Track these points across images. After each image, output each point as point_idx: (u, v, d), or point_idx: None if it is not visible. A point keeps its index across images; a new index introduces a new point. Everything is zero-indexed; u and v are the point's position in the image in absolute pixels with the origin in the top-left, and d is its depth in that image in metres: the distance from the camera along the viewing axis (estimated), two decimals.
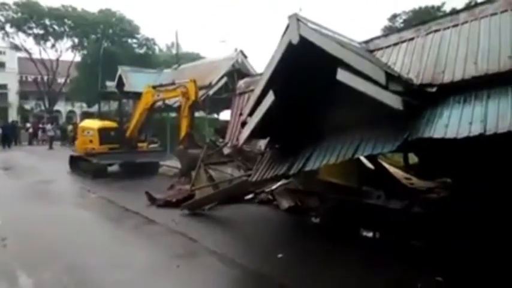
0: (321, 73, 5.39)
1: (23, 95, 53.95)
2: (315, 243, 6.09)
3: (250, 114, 6.70)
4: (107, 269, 5.14)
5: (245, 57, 14.60)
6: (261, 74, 6.87)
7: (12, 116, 47.64)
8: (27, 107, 51.83)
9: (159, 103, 16.97)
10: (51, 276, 4.87)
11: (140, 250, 5.98)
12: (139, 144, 13.65)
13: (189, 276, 4.97)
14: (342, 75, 5.04)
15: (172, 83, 12.65)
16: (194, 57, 36.72)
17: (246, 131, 6.88)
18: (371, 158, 7.85)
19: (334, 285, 4.61)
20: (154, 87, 12.99)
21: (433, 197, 7.41)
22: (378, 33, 8.49)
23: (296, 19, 5.35)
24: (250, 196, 9.15)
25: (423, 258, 5.21)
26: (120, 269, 5.14)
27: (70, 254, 5.68)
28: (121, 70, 20.95)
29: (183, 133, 11.48)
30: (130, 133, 13.38)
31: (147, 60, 37.31)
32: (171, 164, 14.40)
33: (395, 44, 5.99)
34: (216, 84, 14.25)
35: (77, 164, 14.06)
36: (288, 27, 5.53)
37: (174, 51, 42.58)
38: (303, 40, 5.36)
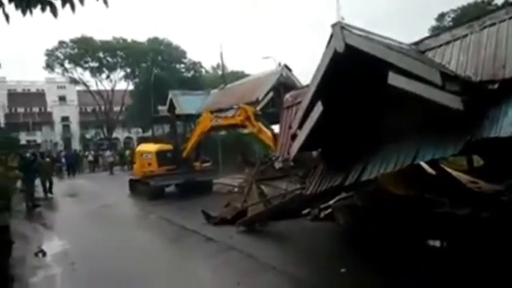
0: (370, 79, 5.25)
1: (84, 125, 57.78)
2: (379, 257, 5.82)
3: (300, 126, 6.64)
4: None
5: (289, 70, 14.63)
6: (307, 86, 6.82)
7: (75, 145, 50.93)
8: (88, 136, 55.23)
9: None
10: None
11: (201, 268, 6.07)
12: (198, 164, 13.95)
13: None
14: (394, 79, 4.86)
15: (231, 108, 12.93)
16: (239, 75, 37.38)
17: (297, 144, 6.83)
18: (432, 163, 7.46)
19: None
20: (211, 112, 13.25)
21: (503, 200, 6.87)
22: (426, 34, 8.13)
23: (340, 27, 5.27)
24: (306, 211, 9.00)
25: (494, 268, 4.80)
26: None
27: (134, 276, 5.87)
28: (171, 94, 21.79)
29: (268, 141, 10.94)
30: (187, 154, 13.77)
31: (195, 82, 38.53)
32: (225, 181, 14.62)
33: (448, 43, 5.70)
34: (263, 99, 14.38)
35: (135, 187, 14.66)
36: (332, 36, 5.45)
37: (219, 72, 43.78)
38: (348, 47, 5.25)
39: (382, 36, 5.78)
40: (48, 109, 59.11)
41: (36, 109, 57.67)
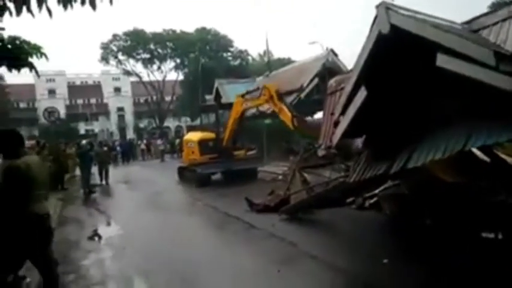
0: (417, 62, 4.96)
1: (137, 115, 60.26)
2: (426, 248, 5.55)
3: (343, 112, 6.45)
4: (210, 273, 5.35)
5: (335, 55, 14.20)
6: (351, 71, 6.58)
7: (129, 134, 53.27)
8: (141, 125, 57.55)
9: (253, 110, 17.47)
10: (163, 282, 5.22)
11: (242, 254, 6.12)
12: (237, 152, 14.07)
13: (290, 281, 4.92)
14: (442, 61, 4.54)
15: (257, 88, 12.90)
16: (285, 62, 37.03)
17: (339, 131, 6.65)
18: (485, 149, 6.97)
19: None
20: (242, 95, 13.34)
21: None
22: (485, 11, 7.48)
23: (385, 7, 4.99)
24: (351, 200, 8.80)
25: None
26: (224, 273, 5.30)
27: (180, 260, 6.05)
28: (217, 83, 22.05)
29: (288, 122, 11.38)
30: (226, 142, 13.94)
31: (242, 70, 38.67)
32: (269, 169, 14.65)
33: (504, 20, 5.23)
34: (308, 86, 14.12)
35: (184, 174, 15.11)
36: (376, 17, 5.19)
37: (266, 59, 43.61)
38: (394, 29, 4.97)
39: (431, 16, 5.43)
40: (105, 100, 62.18)
41: (93, 100, 60.91)
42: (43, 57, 4.20)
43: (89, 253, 6.83)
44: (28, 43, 3.94)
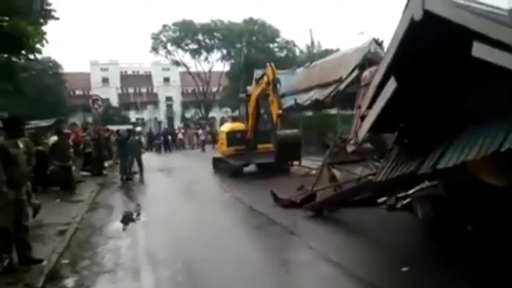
0: (453, 51, 4.43)
1: (185, 105, 61.61)
2: (460, 256, 5.00)
3: (370, 106, 6.00)
4: (219, 266, 5.19)
5: (379, 45, 13.40)
6: None
7: (176, 123, 54.53)
8: (188, 115, 58.77)
9: (291, 102, 17.09)
10: (170, 273, 5.11)
11: (255, 251, 5.91)
12: (261, 145, 13.62)
13: (294, 283, 4.63)
14: (479, 50, 3.99)
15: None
16: (333, 53, 35.99)
17: (366, 126, 6.19)
18: None
19: None
20: (256, 81, 13.02)
21: None
22: None
23: None
24: (382, 199, 8.27)
25: None
26: (232, 268, 5.11)
27: (193, 249, 6.02)
28: (256, 74, 21.75)
29: (274, 117, 11.17)
30: (249, 134, 13.69)
31: (288, 62, 38.13)
32: (304, 163, 14.24)
33: None
34: (347, 77, 13.49)
35: (218, 165, 15.10)
36: (408, 2, 4.71)
37: (314, 51, 42.75)
38: (427, 14, 4.47)
39: (472, 0, 4.85)
40: (154, 90, 64.07)
41: (144, 90, 62.90)
42: (44, 41, 4.17)
43: (109, 239, 6.91)
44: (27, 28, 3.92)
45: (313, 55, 29.91)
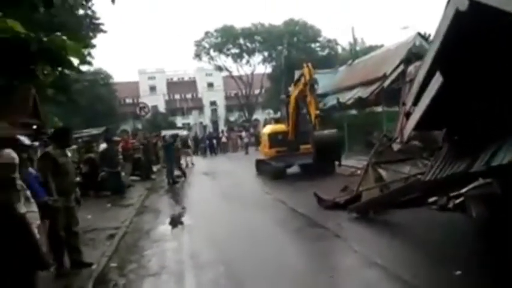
0: (502, 43, 4.12)
1: (228, 109, 62.50)
2: None
3: (415, 102, 5.73)
4: (260, 270, 5.15)
5: (425, 39, 12.76)
6: None
7: (221, 127, 55.37)
8: (232, 118, 59.52)
9: (333, 101, 16.76)
10: (212, 277, 5.15)
11: (297, 254, 5.80)
12: (304, 146, 13.35)
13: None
14: None
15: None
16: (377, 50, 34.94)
17: (411, 123, 5.93)
18: None
19: None
20: (295, 83, 12.97)
21: None
22: None
23: None
24: (433, 199, 7.86)
25: None
26: (274, 272, 5.04)
27: (236, 252, 6.02)
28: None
29: (312, 117, 11.10)
30: (290, 135, 13.57)
31: (330, 61, 37.54)
32: (349, 163, 13.91)
33: None
34: (391, 74, 12.97)
35: (260, 167, 15.10)
36: None
37: (357, 48, 41.80)
38: (473, 4, 4.19)
39: None
40: (199, 95, 65.54)
41: (189, 95, 64.54)
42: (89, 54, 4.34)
43: (155, 243, 7.09)
44: (66, 43, 4.11)
45: (356, 52, 29.17)
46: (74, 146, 14.00)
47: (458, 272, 4.39)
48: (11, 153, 3.63)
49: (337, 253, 5.76)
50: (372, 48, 41.38)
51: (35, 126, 9.98)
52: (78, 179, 11.14)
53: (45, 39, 3.86)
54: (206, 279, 5.07)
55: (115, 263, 5.96)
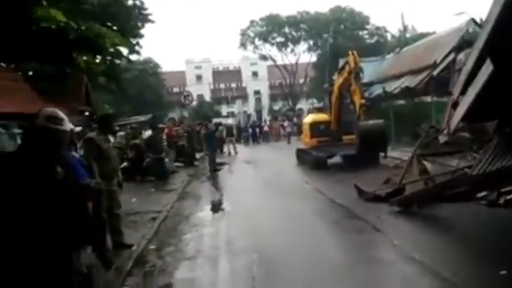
0: None
1: (272, 98, 62.46)
2: None
3: (463, 92, 5.43)
4: (294, 260, 5.13)
5: (478, 26, 11.90)
6: None
7: (264, 116, 55.49)
8: (276, 107, 59.47)
9: (379, 91, 16.22)
10: (245, 264, 5.19)
11: (333, 246, 5.71)
12: (346, 137, 13.12)
13: (371, 282, 4.37)
14: None
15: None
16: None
17: (458, 114, 5.64)
18: None
19: None
20: (339, 71, 12.69)
21: None
22: None
23: None
24: (482, 194, 7.42)
25: None
26: (308, 263, 5.01)
27: (271, 241, 6.02)
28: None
29: (357, 107, 10.81)
30: (333, 125, 13.31)
31: (379, 49, 36.24)
32: (394, 155, 13.45)
33: None
34: (441, 62, 12.29)
35: (301, 156, 14.97)
36: None
37: (408, 35, 40.08)
38: None
39: None
40: (244, 84, 65.91)
41: (234, 84, 65.04)
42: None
43: (193, 227, 7.27)
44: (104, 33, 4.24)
45: (405, 40, 27.93)
46: (122, 133, 14.63)
47: (503, 272, 4.13)
48: None
49: (375, 246, 5.59)
50: (423, 36, 39.43)
51: (87, 113, 10.48)
52: (125, 163, 11.69)
53: (83, 27, 4.02)
54: (239, 265, 5.13)
55: (154, 245, 6.17)
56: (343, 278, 4.57)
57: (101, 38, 4.10)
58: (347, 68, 11.41)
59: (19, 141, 6.66)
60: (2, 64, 10.60)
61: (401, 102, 18.75)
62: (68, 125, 2.51)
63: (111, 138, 6.05)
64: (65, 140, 2.42)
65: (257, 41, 47.16)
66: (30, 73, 12.72)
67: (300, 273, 4.72)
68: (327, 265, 4.92)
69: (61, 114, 2.42)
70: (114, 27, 19.79)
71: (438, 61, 12.39)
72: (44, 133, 2.30)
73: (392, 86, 15.16)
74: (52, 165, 2.37)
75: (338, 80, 12.66)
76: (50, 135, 2.31)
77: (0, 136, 7.81)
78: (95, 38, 4.07)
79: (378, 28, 42.53)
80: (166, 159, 13.00)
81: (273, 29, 45.78)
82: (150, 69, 47.25)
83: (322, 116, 14.37)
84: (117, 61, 21.06)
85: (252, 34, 46.98)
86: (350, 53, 11.32)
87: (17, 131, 7.89)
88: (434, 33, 40.22)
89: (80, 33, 3.89)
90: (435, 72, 12.38)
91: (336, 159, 13.87)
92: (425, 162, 8.04)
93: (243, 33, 47.41)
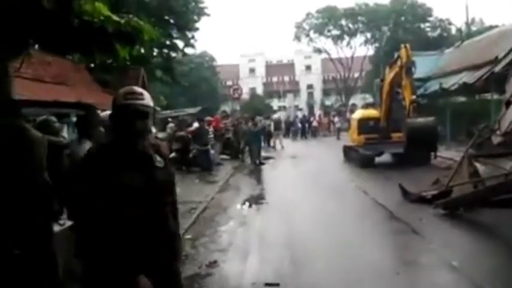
0: None
1: (325, 92, 61.49)
2: None
3: None
4: (326, 259, 5.05)
5: None
6: None
7: (316, 111, 54.78)
8: (328, 102, 58.45)
9: (435, 87, 15.36)
10: (275, 259, 5.16)
11: (368, 247, 5.50)
12: (400, 135, 12.49)
13: (401, 286, 4.18)
14: None
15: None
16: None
17: (511, 113, 5.21)
18: None
19: None
20: (390, 65, 12.15)
21: None
22: None
23: None
24: None
25: None
26: (339, 263, 4.90)
27: (305, 238, 5.98)
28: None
29: (407, 103, 10.30)
30: (382, 122, 12.83)
31: (441, 42, 34.29)
32: (448, 155, 12.74)
33: None
34: (504, 57, 11.30)
35: (348, 153, 14.60)
36: None
37: (473, 28, 37.58)
38: None
39: None
40: (296, 78, 65.46)
41: (286, 78, 64.83)
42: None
43: (230, 219, 7.38)
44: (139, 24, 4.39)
45: (470, 33, 26.13)
46: (172, 124, 15.13)
47: None
48: None
49: (412, 250, 5.35)
50: (490, 29, 36.77)
51: None
52: (173, 154, 12.10)
53: (122, 21, 4.19)
54: (269, 260, 5.12)
55: (190, 235, 6.33)
56: (372, 281, 4.39)
57: (139, 32, 4.27)
58: (399, 62, 10.92)
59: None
60: (68, 57, 11.33)
61: (462, 99, 17.69)
62: (151, 101, 2.07)
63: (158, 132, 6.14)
64: (149, 117, 2.03)
65: (312, 34, 46.61)
66: (92, 65, 13.51)
67: (328, 274, 4.63)
68: (357, 266, 4.76)
69: (139, 89, 2.10)
70: (171, 21, 20.53)
71: (501, 56, 11.46)
72: (124, 111, 1.98)
73: (450, 82, 14.28)
74: (148, 152, 2.06)
75: (389, 74, 12.16)
76: (131, 113, 1.96)
77: (60, 125, 8.32)
78: (133, 32, 4.24)
79: (441, 20, 40.20)
80: (212, 151, 13.28)
81: (329, 21, 44.97)
82: (205, 62, 48.31)
83: (372, 112, 13.85)
84: (173, 54, 21.89)
85: (307, 27, 46.50)
86: (402, 46, 10.83)
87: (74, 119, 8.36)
88: (503, 26, 37.44)
89: (118, 26, 4.07)
90: (497, 69, 11.44)
91: (385, 157, 13.40)
92: (477, 164, 7.50)
93: (298, 26, 47.01)
